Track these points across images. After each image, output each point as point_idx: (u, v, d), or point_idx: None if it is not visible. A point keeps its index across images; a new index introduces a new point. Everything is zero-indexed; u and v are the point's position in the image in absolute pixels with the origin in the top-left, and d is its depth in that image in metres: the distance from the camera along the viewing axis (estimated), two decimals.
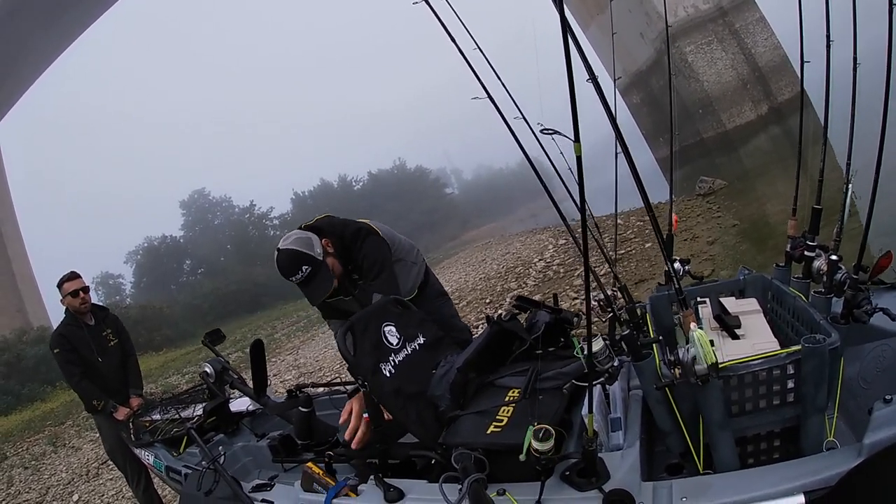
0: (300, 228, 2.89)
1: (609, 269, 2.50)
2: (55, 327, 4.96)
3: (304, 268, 2.61)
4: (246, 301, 40.32)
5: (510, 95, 2.54)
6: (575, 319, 2.43)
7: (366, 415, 2.28)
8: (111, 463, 5.30)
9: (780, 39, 21.09)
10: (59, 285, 4.65)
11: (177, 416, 3.74)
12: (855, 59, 2.19)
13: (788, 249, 2.35)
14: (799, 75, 2.51)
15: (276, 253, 2.71)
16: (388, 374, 2.20)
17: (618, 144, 2.11)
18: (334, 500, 2.05)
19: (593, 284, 2.12)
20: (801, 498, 1.38)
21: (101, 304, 5.26)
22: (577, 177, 1.45)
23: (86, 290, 4.69)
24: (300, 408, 2.76)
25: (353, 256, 2.86)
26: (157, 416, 3.87)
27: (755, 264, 6.50)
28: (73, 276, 4.68)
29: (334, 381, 3.69)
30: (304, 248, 2.65)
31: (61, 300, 4.67)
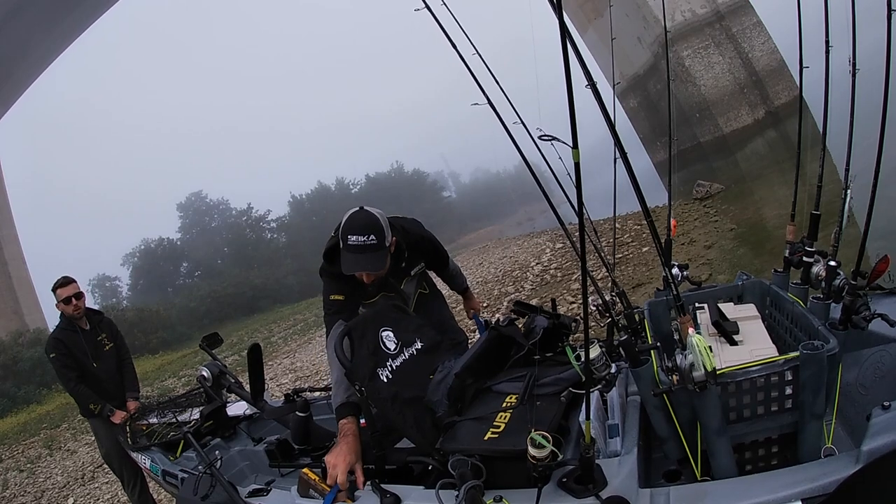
0: None
1: (607, 274, 2.50)
2: (51, 331, 4.93)
3: (371, 236, 2.44)
4: (242, 304, 40.29)
5: (509, 100, 2.54)
6: (573, 325, 2.43)
7: (362, 420, 2.27)
8: (107, 467, 5.28)
9: (777, 44, 21.14)
10: (53, 290, 4.63)
11: (174, 419, 3.73)
12: (854, 63, 2.19)
13: (787, 255, 2.35)
14: (796, 79, 2.51)
15: (352, 210, 2.56)
16: (385, 380, 2.19)
17: (616, 150, 2.11)
18: None
19: (591, 289, 2.12)
20: None
21: (96, 307, 5.24)
22: (575, 182, 1.45)
23: (79, 296, 4.65)
24: (297, 412, 2.76)
25: (416, 245, 2.83)
26: (154, 420, 3.87)
27: (752, 268, 6.53)
28: (66, 281, 4.64)
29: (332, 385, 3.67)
30: (383, 223, 2.52)
31: (56, 305, 4.65)
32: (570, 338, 2.43)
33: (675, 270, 2.42)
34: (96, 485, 8.00)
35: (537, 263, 13.09)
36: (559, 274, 10.93)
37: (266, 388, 3.34)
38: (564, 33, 1.31)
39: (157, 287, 51.08)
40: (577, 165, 1.41)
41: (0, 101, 33.99)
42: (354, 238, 2.43)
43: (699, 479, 1.73)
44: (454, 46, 2.56)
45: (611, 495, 1.56)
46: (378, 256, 2.48)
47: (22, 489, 9.08)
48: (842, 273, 2.02)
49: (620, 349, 1.86)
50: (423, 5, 2.51)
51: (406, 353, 2.38)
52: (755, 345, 1.96)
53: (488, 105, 2.44)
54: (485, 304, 10.77)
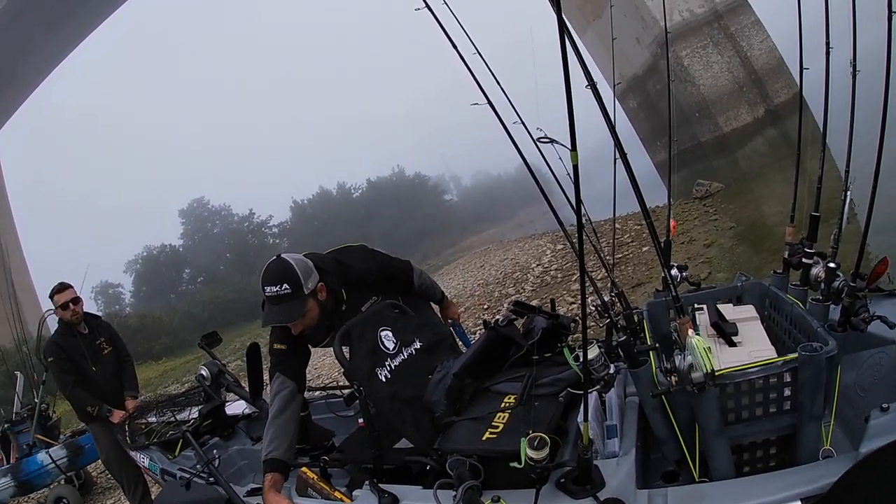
0: (307, 256, 2.64)
1: (607, 274, 2.50)
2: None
3: (284, 286, 2.37)
4: (245, 310, 40.05)
5: (509, 101, 2.54)
6: (572, 325, 2.43)
7: (361, 420, 2.27)
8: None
9: (776, 42, 21.15)
10: (50, 296, 4.63)
11: (172, 418, 3.74)
12: (854, 65, 2.19)
13: (786, 256, 2.35)
14: (795, 78, 2.51)
15: (270, 259, 2.49)
16: (383, 379, 2.19)
17: (616, 150, 2.11)
18: None
19: (591, 290, 2.11)
20: None
21: (98, 313, 5.24)
22: (573, 184, 1.45)
23: (76, 301, 4.63)
24: None
25: (362, 281, 2.70)
26: (153, 419, 3.87)
27: (751, 267, 6.53)
28: (63, 287, 4.63)
29: (330, 385, 3.67)
30: (299, 271, 2.42)
31: (54, 311, 4.64)
32: (570, 338, 2.43)
33: (674, 271, 2.43)
34: (100, 489, 7.99)
35: (538, 265, 13.08)
36: (559, 275, 10.92)
37: (265, 387, 3.34)
38: (563, 33, 1.31)
39: (160, 293, 51.00)
40: (575, 167, 1.41)
41: (1, 108, 34.03)
42: (269, 289, 2.38)
43: (697, 480, 1.73)
44: (454, 46, 2.55)
45: (608, 497, 1.56)
46: (293, 306, 2.39)
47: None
48: (841, 275, 2.02)
49: (619, 350, 1.86)
50: (424, 4, 2.51)
51: (405, 353, 2.37)
52: (754, 346, 1.96)
53: (488, 106, 2.44)
54: (485, 307, 10.78)
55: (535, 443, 1.57)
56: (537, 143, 2.04)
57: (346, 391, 2.83)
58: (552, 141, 1.81)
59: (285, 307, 2.39)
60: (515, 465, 1.59)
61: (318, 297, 2.48)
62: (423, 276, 3.05)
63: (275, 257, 2.47)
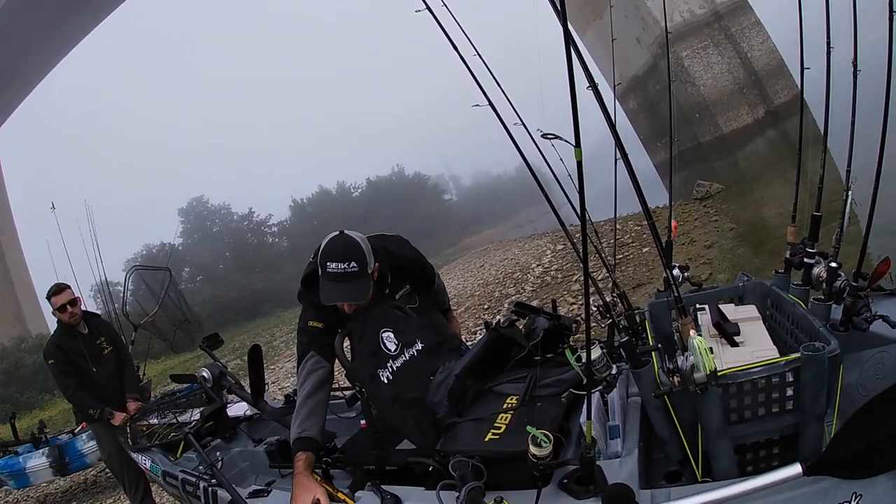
0: None
1: (607, 275, 2.50)
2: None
3: (353, 263, 2.26)
4: (244, 308, 40.13)
5: (510, 102, 2.54)
6: (574, 325, 2.43)
7: (363, 421, 2.27)
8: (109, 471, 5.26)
9: (777, 43, 21.17)
10: (47, 298, 4.60)
11: (174, 420, 3.73)
12: (855, 65, 2.19)
13: (788, 256, 2.35)
14: (795, 79, 2.51)
15: (331, 234, 2.39)
16: (385, 381, 2.19)
17: (617, 151, 2.11)
18: None
19: (592, 290, 2.11)
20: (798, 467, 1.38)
21: (98, 312, 5.22)
22: (576, 182, 1.45)
23: (73, 302, 4.60)
24: None
25: (401, 267, 2.67)
26: (155, 421, 3.86)
27: (752, 268, 6.53)
28: (60, 289, 4.59)
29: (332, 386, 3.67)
30: (365, 249, 2.34)
31: (52, 312, 4.63)
32: (571, 339, 2.43)
33: (675, 272, 2.42)
34: (99, 489, 7.99)
35: (538, 265, 13.08)
36: (559, 275, 10.92)
37: (266, 389, 3.34)
38: (567, 33, 1.31)
39: (159, 292, 50.81)
40: (579, 164, 1.41)
41: (2, 107, 34.07)
42: (334, 265, 2.27)
43: (700, 480, 1.72)
44: (454, 47, 2.55)
45: (614, 482, 1.56)
46: (360, 284, 2.31)
47: (25, 493, 9.03)
48: (843, 274, 2.02)
49: (621, 350, 1.86)
50: (424, 6, 2.51)
51: (406, 354, 2.36)
52: (756, 346, 1.96)
53: (489, 107, 2.44)
54: (486, 307, 10.78)
55: (539, 439, 1.57)
56: (542, 138, 2.03)
57: (349, 392, 2.83)
58: (556, 137, 1.81)
59: (352, 286, 2.30)
60: (533, 451, 1.58)
61: (374, 278, 2.43)
62: (440, 279, 3.02)
63: (337, 232, 2.38)
